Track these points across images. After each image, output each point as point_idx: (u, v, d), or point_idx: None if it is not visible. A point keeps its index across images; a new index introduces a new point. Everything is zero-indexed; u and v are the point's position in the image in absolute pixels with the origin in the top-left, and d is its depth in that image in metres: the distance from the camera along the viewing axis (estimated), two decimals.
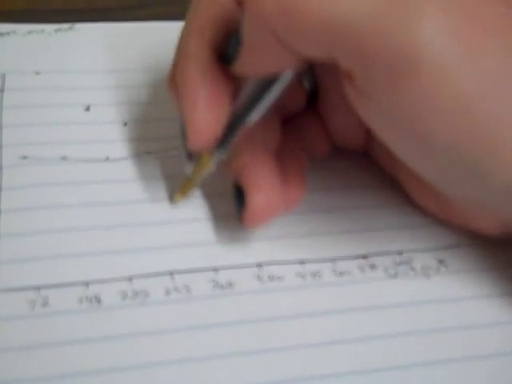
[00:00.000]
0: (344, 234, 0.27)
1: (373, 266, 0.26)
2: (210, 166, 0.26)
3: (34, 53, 0.33)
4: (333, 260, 0.26)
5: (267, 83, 0.24)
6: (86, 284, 0.24)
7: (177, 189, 0.27)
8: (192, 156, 0.26)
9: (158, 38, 0.34)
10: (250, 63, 0.23)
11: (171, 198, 0.27)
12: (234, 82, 0.24)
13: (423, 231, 0.28)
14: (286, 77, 0.23)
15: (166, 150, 0.29)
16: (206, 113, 0.24)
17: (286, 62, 0.22)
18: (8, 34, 0.33)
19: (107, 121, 0.30)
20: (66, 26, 0.34)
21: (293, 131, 0.28)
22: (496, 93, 0.20)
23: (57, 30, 0.34)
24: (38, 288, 0.24)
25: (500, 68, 0.20)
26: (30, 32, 0.34)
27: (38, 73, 0.32)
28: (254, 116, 0.24)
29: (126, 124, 0.30)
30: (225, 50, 0.23)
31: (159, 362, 0.23)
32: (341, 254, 0.26)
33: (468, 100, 0.20)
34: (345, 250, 0.27)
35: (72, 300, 0.24)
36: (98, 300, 0.24)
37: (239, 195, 0.25)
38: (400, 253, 0.27)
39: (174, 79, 0.25)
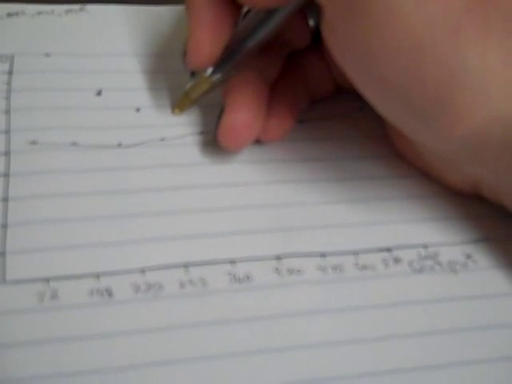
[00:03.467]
0: (367, 226, 0.26)
1: (397, 260, 0.25)
2: (205, 85, 0.27)
3: (43, 34, 0.31)
4: (355, 253, 0.25)
5: (267, 14, 0.25)
6: (97, 276, 0.23)
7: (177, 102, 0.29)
8: (194, 74, 0.27)
9: (172, 22, 0.33)
10: None
11: (172, 110, 0.29)
12: (239, 10, 0.26)
13: (450, 224, 0.26)
14: (284, 10, 0.25)
15: (180, 137, 0.28)
16: (207, 33, 0.25)
17: None
18: (17, 14, 0.32)
19: (119, 106, 0.29)
20: (76, 6, 0.33)
21: (295, 67, 0.29)
22: (447, 45, 0.20)
23: (67, 11, 0.33)
24: (46, 280, 0.23)
25: (454, 20, 0.20)
26: (39, 13, 0.32)
27: (47, 55, 0.31)
28: (251, 44, 0.26)
29: (138, 110, 0.29)
30: None
31: (173, 360, 0.22)
32: (364, 246, 0.25)
33: (418, 46, 0.20)
34: (368, 243, 0.25)
35: (82, 293, 0.23)
36: (109, 293, 0.23)
37: (221, 114, 0.27)
38: (425, 246, 0.26)
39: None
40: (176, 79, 0.30)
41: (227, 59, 0.26)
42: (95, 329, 0.22)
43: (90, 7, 0.33)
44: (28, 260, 0.23)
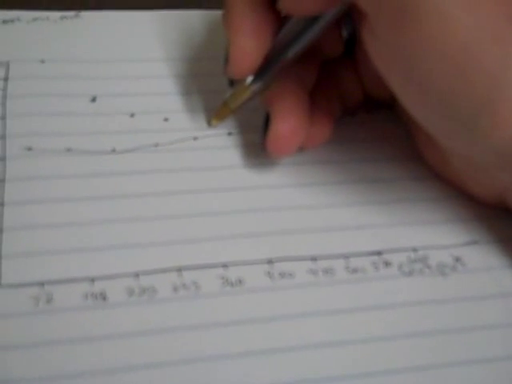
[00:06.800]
0: (358, 230, 0.26)
1: (387, 263, 0.25)
2: (246, 94, 0.27)
3: (38, 41, 0.32)
4: (346, 256, 0.25)
5: (307, 23, 0.25)
6: (92, 280, 0.24)
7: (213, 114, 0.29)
8: (233, 83, 0.28)
9: (166, 27, 0.33)
10: (292, 1, 0.24)
11: (209, 121, 0.29)
12: (279, 18, 0.26)
13: (439, 227, 0.27)
14: (325, 18, 0.25)
15: (173, 143, 0.28)
16: (249, 40, 0.25)
17: (320, 2, 0.23)
18: (12, 21, 0.32)
19: (113, 112, 0.29)
20: (71, 13, 0.33)
21: (328, 77, 0.29)
22: (492, 52, 0.21)
23: (62, 18, 0.33)
24: (42, 284, 0.23)
25: (500, 28, 0.21)
26: (34, 19, 0.33)
27: (42, 61, 0.31)
28: (292, 52, 0.26)
29: (133, 115, 0.29)
30: None
31: (166, 362, 0.22)
32: (354, 250, 0.26)
33: (466, 50, 0.21)
34: (358, 246, 0.26)
35: (77, 296, 0.23)
36: (103, 297, 0.23)
37: (266, 123, 0.26)
38: (415, 249, 0.26)
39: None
40: (169, 84, 0.30)
41: (268, 67, 0.26)
42: (89, 332, 0.22)
43: (85, 14, 0.33)
44: (23, 264, 0.24)
